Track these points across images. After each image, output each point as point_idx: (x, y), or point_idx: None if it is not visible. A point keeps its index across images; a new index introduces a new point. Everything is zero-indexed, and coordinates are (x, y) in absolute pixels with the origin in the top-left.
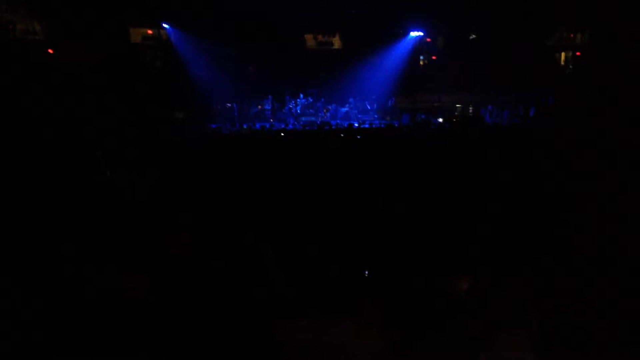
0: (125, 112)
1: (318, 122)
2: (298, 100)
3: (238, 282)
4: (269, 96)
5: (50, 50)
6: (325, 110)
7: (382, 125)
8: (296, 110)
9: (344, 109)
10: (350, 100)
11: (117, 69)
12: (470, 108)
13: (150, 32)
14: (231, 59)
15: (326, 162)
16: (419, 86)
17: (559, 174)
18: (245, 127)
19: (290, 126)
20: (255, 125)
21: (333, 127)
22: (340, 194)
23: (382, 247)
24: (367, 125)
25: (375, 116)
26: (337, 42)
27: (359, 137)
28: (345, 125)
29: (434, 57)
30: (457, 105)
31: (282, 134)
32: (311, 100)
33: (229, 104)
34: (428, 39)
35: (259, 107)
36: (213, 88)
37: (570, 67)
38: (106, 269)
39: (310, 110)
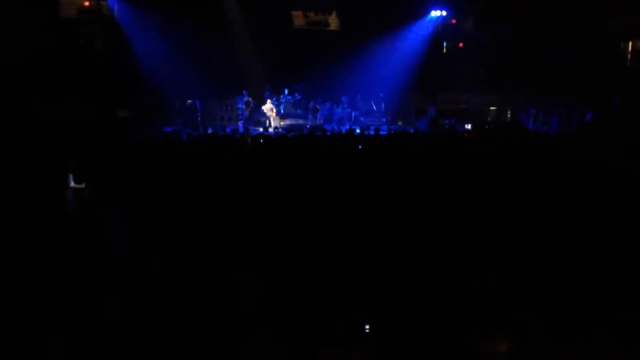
0: (54, 111)
1: (307, 127)
2: (281, 97)
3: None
4: (244, 92)
5: None
6: (313, 110)
7: (392, 132)
8: (279, 110)
9: (340, 110)
10: (343, 98)
11: (44, 53)
12: (508, 112)
13: (87, 3)
14: (195, 41)
15: (320, 181)
16: (442, 82)
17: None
18: (210, 131)
19: (271, 131)
20: (225, 129)
21: (328, 133)
22: (342, 225)
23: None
24: (372, 132)
25: (383, 120)
26: (334, 22)
27: (360, 147)
28: (344, 132)
29: (461, 44)
30: (492, 108)
31: (260, 142)
32: (298, 97)
33: (190, 101)
34: (454, 20)
35: (229, 105)
36: (170, 80)
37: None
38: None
39: (298, 111)
